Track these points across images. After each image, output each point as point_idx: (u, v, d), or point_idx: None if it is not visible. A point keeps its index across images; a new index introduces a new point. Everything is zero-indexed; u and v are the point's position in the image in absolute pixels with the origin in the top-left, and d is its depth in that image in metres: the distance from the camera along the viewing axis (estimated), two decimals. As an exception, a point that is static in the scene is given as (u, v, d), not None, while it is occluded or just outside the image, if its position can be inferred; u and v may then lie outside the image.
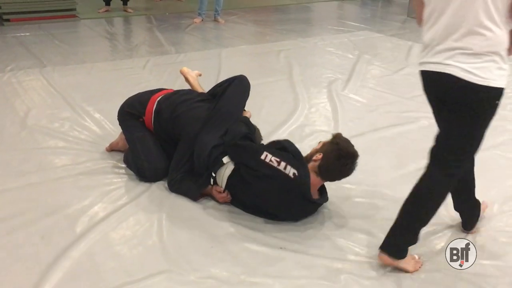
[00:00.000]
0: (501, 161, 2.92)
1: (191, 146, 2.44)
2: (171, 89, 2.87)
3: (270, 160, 2.23)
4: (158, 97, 2.71)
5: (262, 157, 2.25)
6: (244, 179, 2.27)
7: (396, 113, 3.64)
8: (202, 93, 2.85)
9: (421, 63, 1.80)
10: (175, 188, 2.47)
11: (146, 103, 2.70)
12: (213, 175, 2.40)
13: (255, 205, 2.30)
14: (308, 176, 2.20)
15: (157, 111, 2.65)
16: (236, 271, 1.95)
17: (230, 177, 2.33)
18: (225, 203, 2.38)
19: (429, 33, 1.74)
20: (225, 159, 2.36)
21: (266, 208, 2.27)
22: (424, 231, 1.96)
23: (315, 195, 2.26)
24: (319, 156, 2.23)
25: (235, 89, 2.65)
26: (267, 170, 2.22)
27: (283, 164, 2.21)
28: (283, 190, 2.20)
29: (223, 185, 2.36)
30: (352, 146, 2.25)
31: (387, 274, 1.96)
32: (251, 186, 2.26)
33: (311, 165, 2.25)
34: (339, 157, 2.18)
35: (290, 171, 2.19)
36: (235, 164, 2.34)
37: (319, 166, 2.21)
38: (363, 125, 3.42)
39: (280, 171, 2.20)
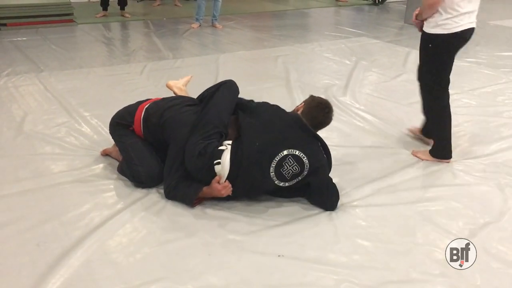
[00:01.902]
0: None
1: (181, 150, 2.43)
2: (159, 98, 2.87)
3: None
4: (146, 105, 2.73)
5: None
6: (248, 126, 2.42)
7: (393, 119, 3.64)
8: (190, 98, 2.84)
9: (467, 23, 2.64)
10: (171, 195, 2.45)
11: (134, 112, 2.71)
12: (215, 162, 2.32)
13: (261, 163, 2.31)
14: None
15: (145, 118, 2.66)
16: (234, 280, 1.94)
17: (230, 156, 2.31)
18: (222, 209, 2.37)
19: (471, 5, 2.64)
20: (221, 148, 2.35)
21: (272, 150, 2.31)
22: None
23: None
24: (300, 105, 2.61)
25: (223, 94, 2.63)
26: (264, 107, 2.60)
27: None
28: (282, 117, 2.48)
29: (227, 169, 2.31)
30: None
31: (387, 283, 1.95)
32: (255, 127, 2.41)
33: None
34: (318, 104, 2.58)
35: None
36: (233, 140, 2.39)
37: (302, 113, 2.53)
38: (360, 131, 3.43)
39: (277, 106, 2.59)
